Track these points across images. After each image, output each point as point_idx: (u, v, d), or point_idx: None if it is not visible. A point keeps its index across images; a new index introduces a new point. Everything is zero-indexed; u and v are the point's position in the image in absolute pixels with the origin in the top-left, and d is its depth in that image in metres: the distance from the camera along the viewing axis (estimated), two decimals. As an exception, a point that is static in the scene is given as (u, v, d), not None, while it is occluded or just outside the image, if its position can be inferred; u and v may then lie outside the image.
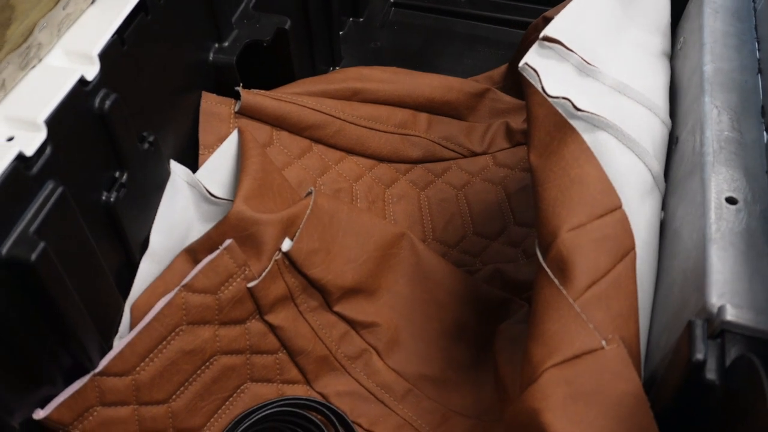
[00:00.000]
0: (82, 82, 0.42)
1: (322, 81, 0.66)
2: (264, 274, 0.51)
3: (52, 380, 0.44)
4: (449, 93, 0.69)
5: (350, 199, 0.64)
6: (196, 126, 0.58)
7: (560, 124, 0.42)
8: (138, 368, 0.47)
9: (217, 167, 0.57)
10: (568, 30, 0.46)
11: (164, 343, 0.47)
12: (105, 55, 0.44)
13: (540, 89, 0.43)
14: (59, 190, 0.40)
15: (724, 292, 0.33)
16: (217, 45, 0.59)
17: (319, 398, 0.53)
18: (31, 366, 0.42)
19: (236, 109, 0.60)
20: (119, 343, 0.46)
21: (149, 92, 0.51)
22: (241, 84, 0.60)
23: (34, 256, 0.37)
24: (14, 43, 0.39)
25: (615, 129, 0.43)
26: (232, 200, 0.53)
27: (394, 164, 0.68)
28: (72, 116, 0.42)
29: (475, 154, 0.69)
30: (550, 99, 0.42)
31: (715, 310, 0.33)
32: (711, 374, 0.31)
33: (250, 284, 0.50)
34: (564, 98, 0.42)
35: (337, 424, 0.51)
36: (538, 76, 0.43)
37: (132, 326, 0.48)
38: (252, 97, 0.60)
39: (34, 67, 0.42)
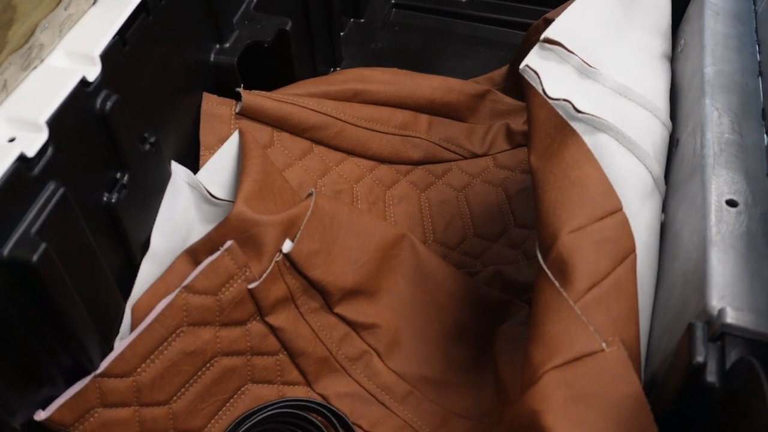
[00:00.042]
0: (83, 83, 0.42)
1: (322, 82, 0.66)
2: (265, 275, 0.51)
3: (53, 381, 0.44)
4: (450, 94, 0.69)
5: (351, 200, 0.64)
6: (197, 127, 0.58)
7: (561, 126, 0.42)
8: (139, 369, 0.47)
9: (218, 168, 0.57)
10: (568, 32, 0.46)
11: (165, 344, 0.48)
12: (106, 56, 0.44)
13: (541, 91, 0.43)
14: (60, 191, 0.40)
15: (725, 295, 0.34)
16: (218, 46, 0.60)
17: (319, 400, 0.53)
18: (31, 367, 0.42)
19: (237, 110, 0.60)
20: (120, 345, 0.46)
21: (150, 93, 0.51)
22: (242, 85, 0.60)
23: (35, 257, 0.37)
24: (16, 44, 0.40)
25: (615, 131, 0.43)
26: (232, 201, 0.53)
27: (395, 165, 0.68)
28: (73, 117, 0.42)
29: (475, 156, 0.69)
30: (550, 101, 0.42)
31: (715, 312, 0.33)
32: (711, 377, 0.31)
33: (251, 285, 0.50)
34: (564, 100, 0.42)
35: (337, 425, 0.51)
36: (539, 77, 0.43)
37: (133, 327, 0.48)
38: (253, 98, 0.60)
39: (35, 67, 0.42)
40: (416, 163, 0.68)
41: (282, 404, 0.52)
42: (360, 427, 0.52)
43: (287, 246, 0.52)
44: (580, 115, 0.42)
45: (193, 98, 0.58)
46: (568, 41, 0.45)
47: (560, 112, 0.42)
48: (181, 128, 0.57)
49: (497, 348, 0.52)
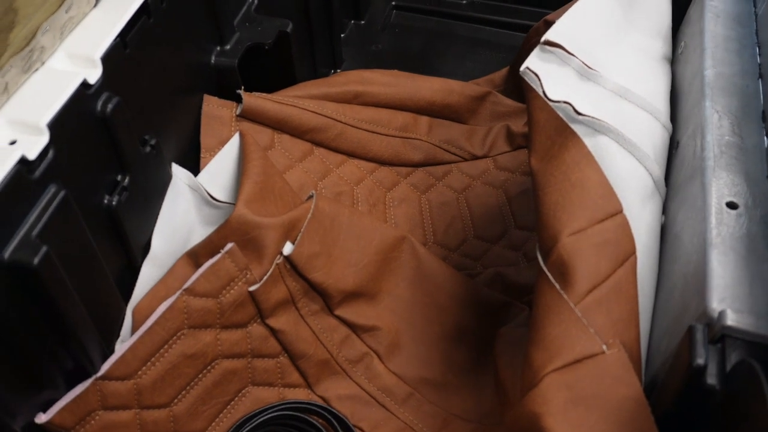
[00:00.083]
0: (84, 85, 0.42)
1: (323, 84, 0.66)
2: (265, 277, 0.51)
3: (54, 384, 0.44)
4: (450, 96, 0.69)
5: (351, 202, 0.64)
6: (197, 129, 0.58)
7: (561, 128, 0.42)
8: (140, 372, 0.47)
9: (219, 170, 0.57)
10: (569, 34, 0.46)
11: (166, 347, 0.48)
12: (107, 59, 0.44)
13: (541, 93, 0.43)
14: (61, 193, 0.40)
15: (725, 297, 0.34)
16: (218, 48, 0.60)
17: (320, 402, 0.53)
18: (32, 369, 0.42)
19: (238, 112, 0.60)
20: (121, 347, 0.47)
21: (151, 95, 0.51)
22: (242, 87, 0.60)
23: (36, 260, 0.37)
24: (17, 47, 0.40)
25: (616, 133, 0.43)
26: (233, 204, 0.53)
27: (395, 167, 0.68)
28: (74, 120, 0.42)
29: (475, 158, 0.69)
30: (551, 103, 0.42)
31: (715, 314, 0.33)
32: (711, 379, 0.31)
33: (252, 288, 0.50)
34: (565, 102, 0.42)
35: (338, 427, 0.51)
36: (540, 80, 0.43)
37: (134, 330, 0.48)
38: (253, 100, 0.60)
39: (36, 70, 0.42)
40: (416, 165, 0.69)
41: (283, 407, 0.52)
42: (361, 429, 0.52)
43: (288, 248, 0.52)
44: (580, 117, 0.42)
45: (194, 100, 0.58)
46: (569, 43, 0.45)
47: (561, 115, 0.42)
48: (182, 130, 0.57)
49: (497, 350, 0.53)
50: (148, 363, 0.47)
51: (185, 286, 0.48)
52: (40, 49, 0.42)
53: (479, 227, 0.65)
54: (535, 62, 0.44)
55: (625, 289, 0.37)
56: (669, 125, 0.48)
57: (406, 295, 0.57)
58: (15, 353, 0.40)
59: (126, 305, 0.49)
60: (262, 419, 0.51)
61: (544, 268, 0.39)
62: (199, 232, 0.54)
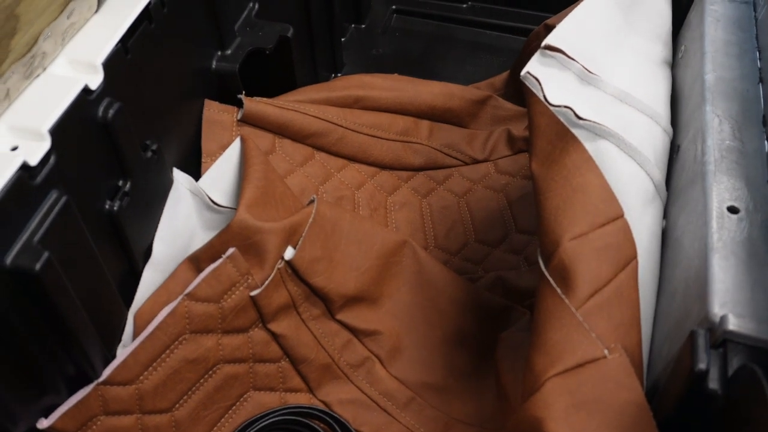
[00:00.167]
0: (86, 91, 0.42)
1: (324, 89, 0.66)
2: (267, 282, 0.51)
3: (55, 389, 0.44)
4: (451, 100, 0.70)
5: (352, 206, 0.64)
6: (198, 134, 0.59)
7: (562, 132, 0.42)
8: (141, 377, 0.47)
9: (220, 175, 0.57)
10: (569, 38, 0.46)
11: (167, 352, 0.48)
12: (109, 64, 0.44)
13: (542, 98, 0.43)
14: (63, 199, 0.40)
15: (726, 302, 0.34)
16: (219, 53, 0.60)
17: (321, 406, 0.53)
18: (34, 375, 0.42)
19: (239, 117, 0.60)
20: (122, 352, 0.47)
21: (152, 100, 0.51)
22: (243, 92, 0.60)
23: (38, 266, 0.37)
24: (19, 53, 0.40)
25: (617, 138, 0.43)
26: (234, 208, 0.53)
27: (396, 172, 0.68)
28: (76, 125, 0.42)
29: (476, 162, 0.69)
30: (551, 108, 0.42)
31: (717, 319, 0.33)
32: (713, 384, 0.31)
33: (253, 293, 0.50)
34: (566, 107, 0.42)
35: (339, 432, 0.52)
36: (540, 84, 0.43)
37: (135, 335, 0.48)
38: (254, 104, 0.60)
39: (38, 76, 0.42)
40: (417, 169, 0.69)
41: (284, 411, 0.52)
42: (362, 433, 0.52)
43: (289, 253, 0.52)
44: (581, 121, 0.42)
45: (195, 105, 0.58)
46: (569, 48, 0.45)
47: (561, 119, 0.42)
48: (183, 135, 0.57)
49: (499, 355, 0.53)
50: (150, 368, 0.47)
51: (187, 291, 0.48)
52: (41, 55, 0.42)
53: (480, 231, 0.65)
54: (535, 67, 0.44)
55: (627, 293, 0.37)
56: (670, 129, 0.48)
57: (408, 300, 0.57)
58: (17, 358, 0.40)
59: (127, 310, 0.49)
60: (263, 424, 0.51)
61: (546, 273, 0.39)
62: (200, 237, 0.54)
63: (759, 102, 0.45)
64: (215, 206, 0.55)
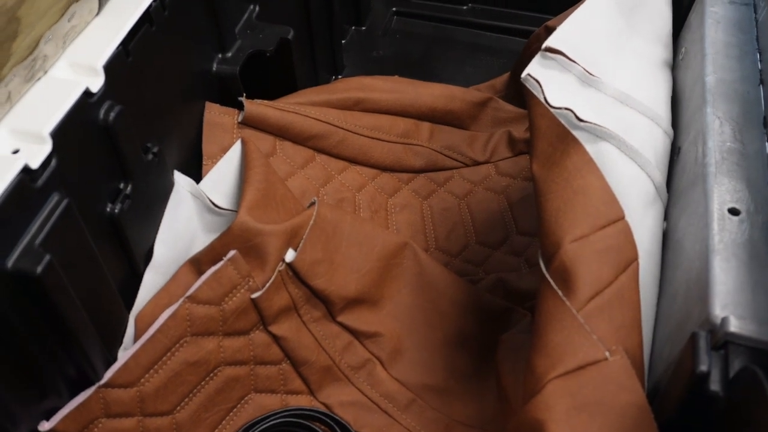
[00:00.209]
0: (87, 93, 0.43)
1: (324, 91, 0.66)
2: (268, 284, 0.51)
3: (57, 392, 0.44)
4: (451, 102, 0.70)
5: (353, 208, 0.64)
6: (199, 136, 0.59)
7: (563, 134, 0.42)
8: (142, 380, 0.47)
9: (221, 178, 0.57)
10: (570, 40, 0.46)
11: (168, 354, 0.48)
12: (110, 67, 0.44)
13: (542, 100, 0.43)
14: (64, 202, 0.40)
15: (728, 304, 0.33)
16: (220, 55, 0.60)
17: (322, 409, 0.53)
18: (35, 377, 0.42)
19: (239, 119, 0.60)
20: (124, 355, 0.47)
21: (153, 103, 0.51)
22: (244, 94, 0.60)
23: (39, 269, 0.37)
24: (20, 56, 0.40)
25: (617, 139, 0.43)
26: (235, 211, 0.53)
27: (397, 174, 0.68)
28: (77, 128, 0.42)
29: (477, 163, 0.69)
30: (552, 110, 0.42)
31: (718, 321, 0.33)
32: (715, 386, 0.31)
33: (254, 295, 0.50)
34: (566, 109, 0.42)
35: (340, 434, 0.52)
36: (541, 86, 0.43)
37: (136, 337, 0.48)
38: (255, 107, 0.60)
39: (39, 79, 0.42)
40: (418, 171, 0.69)
41: (285, 413, 0.52)
42: (363, 435, 0.52)
43: (290, 255, 0.52)
44: (582, 123, 0.42)
45: (196, 108, 0.58)
46: (570, 50, 0.45)
47: (562, 121, 0.42)
48: (184, 138, 0.57)
49: (499, 356, 0.52)
50: (151, 371, 0.47)
51: (188, 293, 0.48)
52: (42, 58, 0.42)
53: (481, 233, 0.65)
54: (536, 69, 0.44)
55: (628, 295, 0.37)
56: (670, 131, 0.48)
57: (408, 302, 0.57)
58: (18, 361, 0.40)
59: (129, 313, 0.49)
60: (264, 426, 0.51)
61: (547, 275, 0.39)
62: (201, 240, 0.54)
63: (760, 104, 0.45)
64: (216, 209, 0.55)
